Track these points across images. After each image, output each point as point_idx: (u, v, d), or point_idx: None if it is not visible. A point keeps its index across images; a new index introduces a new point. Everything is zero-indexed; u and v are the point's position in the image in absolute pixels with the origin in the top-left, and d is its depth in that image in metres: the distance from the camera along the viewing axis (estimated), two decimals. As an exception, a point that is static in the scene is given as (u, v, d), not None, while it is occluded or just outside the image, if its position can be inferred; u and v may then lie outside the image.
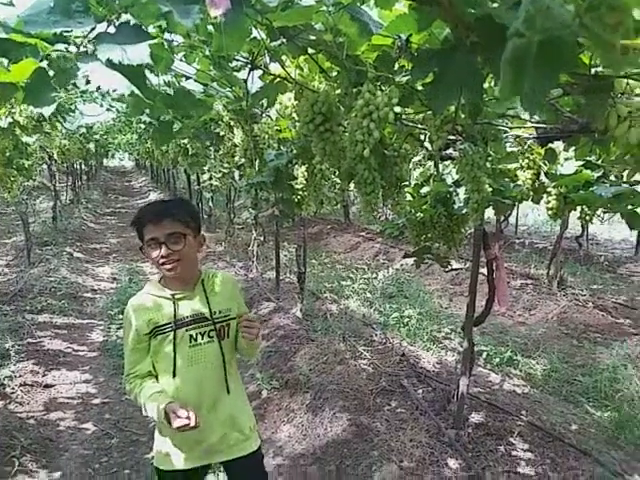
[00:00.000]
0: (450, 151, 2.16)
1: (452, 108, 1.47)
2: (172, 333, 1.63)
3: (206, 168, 5.72)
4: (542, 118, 1.57)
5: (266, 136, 2.70)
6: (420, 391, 3.43)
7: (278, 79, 1.90)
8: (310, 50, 1.61)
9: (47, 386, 3.71)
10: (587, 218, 2.34)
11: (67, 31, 1.01)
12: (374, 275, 6.69)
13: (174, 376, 1.64)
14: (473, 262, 2.75)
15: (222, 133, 3.78)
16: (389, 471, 2.57)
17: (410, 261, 7.81)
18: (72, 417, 3.41)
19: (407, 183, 2.15)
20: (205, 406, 1.68)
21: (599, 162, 2.16)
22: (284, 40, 1.59)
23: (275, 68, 1.96)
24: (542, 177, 2.32)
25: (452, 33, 1.07)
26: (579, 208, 2.42)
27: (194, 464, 1.71)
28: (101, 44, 1.03)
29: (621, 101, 1.02)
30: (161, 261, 1.60)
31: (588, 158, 2.13)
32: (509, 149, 2.14)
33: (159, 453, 1.74)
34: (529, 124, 1.66)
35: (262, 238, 6.24)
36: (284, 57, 1.84)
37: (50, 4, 1.02)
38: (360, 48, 1.45)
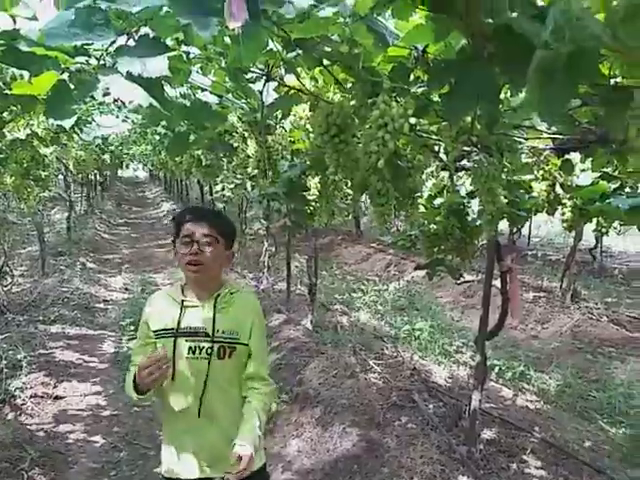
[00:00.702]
0: (465, 162, 2.16)
1: (468, 119, 1.46)
2: (173, 339, 1.64)
3: (219, 179, 5.76)
4: (559, 129, 1.56)
5: (279, 147, 2.71)
6: (431, 406, 3.38)
7: (293, 91, 1.91)
8: (325, 62, 1.62)
9: (57, 398, 3.71)
10: (603, 230, 2.31)
11: (88, 44, 1.02)
12: (385, 287, 6.66)
13: (173, 379, 1.64)
14: (486, 275, 2.72)
15: (236, 144, 3.80)
16: (401, 487, 2.53)
17: (421, 273, 7.76)
18: (81, 430, 3.40)
19: (420, 194, 2.14)
20: (203, 416, 1.67)
21: (616, 173, 2.14)
22: (300, 52, 1.60)
23: (290, 80, 1.97)
24: (557, 188, 2.30)
25: (469, 44, 1.06)
26: (594, 220, 2.39)
27: (197, 475, 1.69)
28: (121, 57, 1.04)
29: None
30: (188, 258, 1.62)
31: (605, 169, 2.11)
32: (524, 160, 2.13)
33: (165, 462, 1.74)
34: (545, 135, 1.64)
35: (273, 249, 6.24)
36: (299, 69, 1.85)
37: (71, 17, 1.03)
38: (376, 59, 1.45)
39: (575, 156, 1.91)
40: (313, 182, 2.68)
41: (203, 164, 5.91)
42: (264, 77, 1.92)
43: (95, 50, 1.05)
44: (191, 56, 1.98)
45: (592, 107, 1.19)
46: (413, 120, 1.66)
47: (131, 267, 8.43)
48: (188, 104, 1.48)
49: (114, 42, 1.06)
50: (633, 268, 7.72)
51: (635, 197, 1.95)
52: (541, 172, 2.17)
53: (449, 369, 4.03)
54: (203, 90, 2.59)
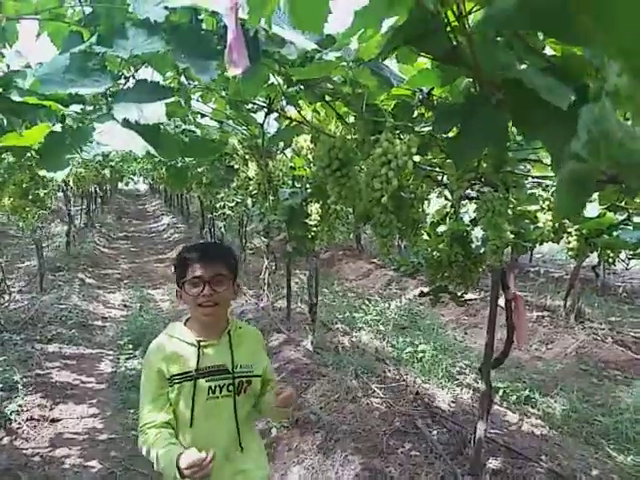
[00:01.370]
0: (469, 191, 2.13)
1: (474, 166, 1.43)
2: (193, 382, 1.59)
3: (220, 196, 5.74)
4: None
5: (280, 173, 2.69)
6: (435, 432, 3.32)
7: (294, 122, 1.88)
8: (327, 97, 1.59)
9: (54, 420, 3.65)
10: (610, 260, 2.27)
11: (81, 92, 0.99)
12: (387, 305, 6.60)
13: (191, 426, 1.59)
14: (490, 302, 2.68)
15: (236, 166, 3.78)
16: (404, 522, 2.46)
17: (425, 289, 7.68)
18: (77, 454, 3.34)
19: (423, 224, 2.11)
20: (218, 458, 1.62)
21: (623, 204, 2.10)
22: (302, 87, 1.58)
23: (292, 111, 1.95)
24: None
25: (478, 91, 1.03)
26: (600, 249, 2.35)
27: None
28: (117, 103, 1.01)
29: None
30: (200, 301, 1.58)
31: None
32: (530, 191, 2.10)
33: None
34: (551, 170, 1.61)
35: (274, 266, 6.19)
36: (301, 102, 1.83)
37: (66, 62, 1.01)
38: (379, 98, 1.42)
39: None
40: (314, 208, 2.66)
41: (204, 182, 5.90)
42: (265, 108, 1.89)
43: (90, 96, 1.02)
44: (190, 86, 1.97)
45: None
46: (417, 158, 1.62)
47: (130, 282, 8.37)
48: (186, 140, 1.44)
49: (110, 88, 1.03)
50: (637, 286, 7.66)
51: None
52: (547, 202, 2.13)
53: (452, 393, 3.97)
54: (203, 116, 2.58)
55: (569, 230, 2.39)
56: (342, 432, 3.28)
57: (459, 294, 2.77)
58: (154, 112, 1.00)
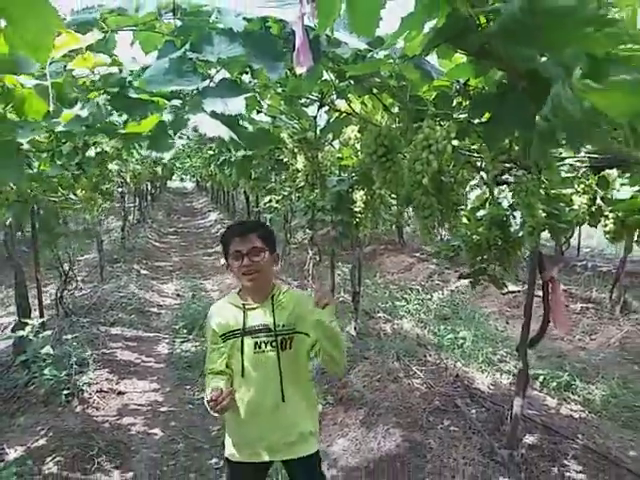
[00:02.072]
0: (507, 177, 2.27)
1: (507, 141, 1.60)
2: (240, 338, 1.85)
3: (267, 188, 6.01)
4: (594, 148, 1.67)
5: (328, 163, 2.90)
6: (474, 411, 3.46)
7: (344, 114, 2.09)
8: (375, 90, 1.79)
9: (120, 393, 4.01)
10: (644, 242, 2.37)
11: (180, 89, 1.23)
12: (429, 296, 6.72)
13: (242, 376, 1.86)
14: (529, 284, 2.80)
15: (285, 159, 4.02)
16: (444, 487, 2.64)
17: (465, 282, 7.74)
18: (142, 423, 3.67)
19: (463, 207, 2.27)
20: (267, 407, 1.87)
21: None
22: (352, 82, 1.78)
23: (341, 104, 2.15)
24: (598, 201, 2.37)
25: (507, 80, 1.21)
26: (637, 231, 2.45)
27: (257, 459, 1.90)
28: (206, 97, 1.25)
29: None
30: (243, 271, 1.83)
31: (645, 184, 2.19)
32: (564, 175, 2.23)
33: (228, 446, 1.96)
34: (582, 153, 1.75)
35: (318, 258, 6.42)
36: (350, 96, 2.03)
37: (166, 66, 1.25)
38: (422, 89, 1.61)
39: (613, 171, 2.00)
40: (359, 195, 2.86)
41: (252, 177, 6.20)
42: (318, 102, 2.11)
43: (185, 93, 1.26)
44: (250, 84, 2.20)
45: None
46: (455, 142, 1.79)
47: (181, 274, 8.81)
48: (252, 130, 1.68)
49: (199, 86, 1.27)
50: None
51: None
52: (582, 186, 2.25)
53: (492, 377, 4.08)
54: (259, 112, 2.82)
55: (605, 214, 2.50)
56: (384, 408, 3.47)
57: (498, 277, 2.91)
58: (236, 105, 1.23)
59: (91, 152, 3.57)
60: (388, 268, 9.06)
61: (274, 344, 1.88)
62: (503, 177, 2.24)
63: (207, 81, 1.30)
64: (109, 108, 1.37)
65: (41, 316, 4.47)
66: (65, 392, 3.60)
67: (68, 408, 3.53)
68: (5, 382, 3.93)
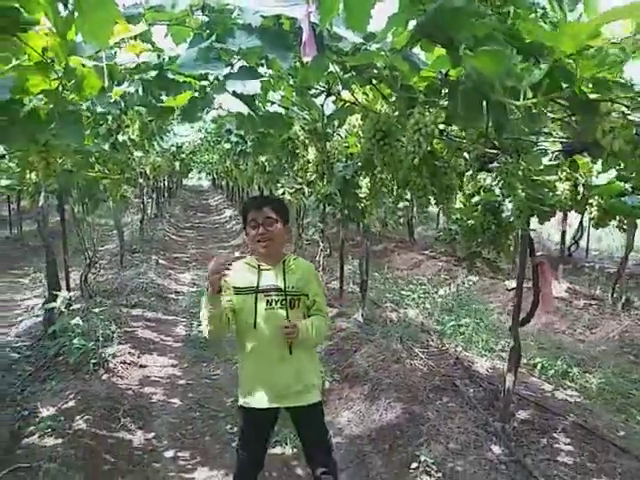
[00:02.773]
0: (495, 164, 2.50)
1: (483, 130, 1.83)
2: (254, 295, 2.12)
3: (280, 184, 6.28)
4: (566, 135, 1.90)
5: (336, 152, 3.15)
6: (471, 390, 3.68)
7: (348, 104, 2.34)
8: (374, 81, 2.04)
9: (142, 366, 4.31)
10: (624, 227, 2.57)
11: (207, 72, 1.49)
12: (435, 290, 6.92)
13: (255, 328, 2.11)
14: (520, 267, 3.02)
15: (297, 151, 4.28)
16: (436, 450, 2.86)
17: (473, 279, 7.91)
18: (161, 392, 3.96)
19: (457, 191, 2.51)
20: (275, 356, 2.12)
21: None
22: (354, 73, 2.03)
23: (346, 94, 2.40)
24: (581, 188, 2.59)
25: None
26: (619, 219, 2.65)
27: (266, 405, 2.15)
28: (228, 80, 1.51)
29: (605, 119, 1.34)
30: (257, 238, 2.12)
31: (621, 171, 2.40)
32: (548, 162, 2.45)
33: (241, 394, 2.22)
34: (553, 139, 1.98)
35: (328, 251, 6.67)
36: (353, 86, 2.28)
37: (195, 54, 1.52)
38: (413, 79, 1.85)
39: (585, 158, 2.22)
40: (364, 182, 3.11)
41: (266, 170, 6.48)
42: (325, 93, 2.36)
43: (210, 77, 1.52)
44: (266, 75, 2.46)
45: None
46: (442, 126, 2.03)
47: (198, 265, 9.13)
48: (268, 114, 1.94)
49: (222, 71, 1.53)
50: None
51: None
52: (564, 173, 2.47)
53: (491, 362, 4.29)
54: (273, 103, 3.08)
55: (590, 202, 2.71)
56: (386, 385, 3.70)
57: (492, 260, 3.13)
58: (252, 86, 1.50)
59: (120, 138, 3.88)
60: (398, 264, 9.27)
61: (284, 302, 2.15)
62: (492, 165, 2.48)
63: (229, 68, 1.56)
64: (141, 92, 1.65)
65: (69, 303, 4.79)
66: (92, 361, 3.90)
67: (95, 376, 3.82)
68: (36, 352, 4.26)
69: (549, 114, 1.68)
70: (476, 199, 2.93)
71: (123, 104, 2.51)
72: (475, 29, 1.06)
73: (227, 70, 1.55)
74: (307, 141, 4.09)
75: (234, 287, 2.16)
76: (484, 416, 3.24)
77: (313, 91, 2.60)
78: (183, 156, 9.94)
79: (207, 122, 5.95)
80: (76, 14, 1.17)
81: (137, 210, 11.76)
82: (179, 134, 6.95)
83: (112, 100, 1.81)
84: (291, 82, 2.54)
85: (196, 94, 1.42)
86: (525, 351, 4.79)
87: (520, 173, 2.01)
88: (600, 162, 2.16)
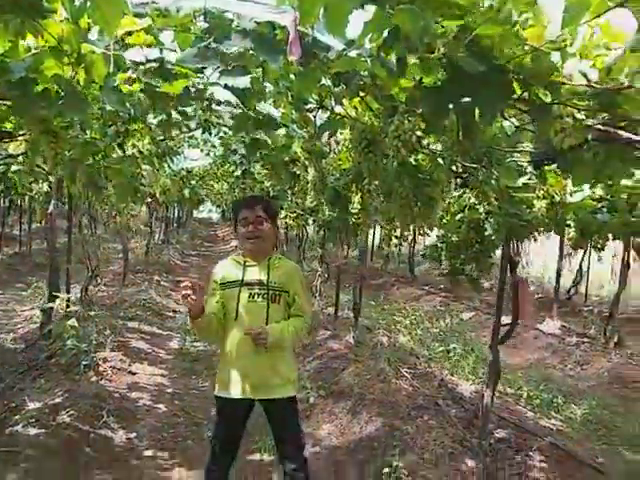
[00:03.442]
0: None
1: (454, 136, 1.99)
2: (238, 288, 2.23)
3: (283, 208, 6.47)
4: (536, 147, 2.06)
5: (331, 168, 3.33)
6: (453, 410, 3.70)
7: (339, 116, 2.53)
8: (361, 93, 2.23)
9: (131, 373, 4.38)
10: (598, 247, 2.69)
11: (204, 67, 1.68)
12: (430, 324, 6.97)
13: (236, 318, 2.22)
14: (499, 283, 3.12)
15: (298, 172, 4.48)
16: (410, 460, 2.90)
17: (470, 314, 7.96)
18: (148, 398, 4.02)
19: (440, 203, 2.65)
20: (253, 348, 2.20)
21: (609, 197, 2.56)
22: (344, 86, 2.22)
23: (338, 108, 2.59)
24: (558, 208, 2.73)
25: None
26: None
27: (241, 396, 2.23)
28: (222, 75, 1.70)
29: (558, 120, 1.50)
30: (247, 235, 2.25)
31: (599, 192, 2.55)
32: (524, 181, 2.61)
33: (217, 383, 2.31)
34: (523, 150, 2.13)
35: (326, 275, 6.79)
36: (344, 101, 2.47)
37: (194, 52, 1.71)
38: (394, 89, 2.03)
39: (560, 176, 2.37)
40: (356, 198, 3.27)
41: (271, 195, 6.69)
42: (318, 107, 2.55)
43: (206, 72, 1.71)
44: (267, 91, 2.67)
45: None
46: (425, 141, 2.18)
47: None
48: (261, 118, 2.13)
49: (218, 67, 1.72)
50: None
51: (614, 211, 2.37)
52: (541, 192, 2.62)
53: (476, 386, 4.31)
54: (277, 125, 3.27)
55: (568, 223, 2.85)
56: (369, 400, 3.75)
57: (475, 277, 3.24)
58: (242, 81, 1.68)
59: (128, 151, 4.10)
60: (396, 297, 9.32)
61: (265, 296, 2.26)
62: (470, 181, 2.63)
63: (224, 66, 1.75)
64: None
65: (67, 306, 4.92)
66: (84, 363, 3.98)
67: (84, 377, 3.90)
68: (30, 354, 4.36)
69: (514, 120, 1.84)
70: (460, 216, 3.08)
71: (133, 111, 2.73)
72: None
73: (222, 67, 1.74)
74: (307, 162, 4.30)
75: (220, 283, 2.28)
76: (462, 433, 3.27)
77: (309, 106, 2.80)
78: (193, 182, 10.22)
79: (216, 146, 6.21)
80: (88, 3, 1.36)
81: (145, 236, 11.99)
82: (189, 158, 7.23)
83: (119, 97, 2.00)
84: (290, 99, 2.75)
85: (190, 84, 1.60)
86: (513, 382, 4.84)
87: (494, 182, 2.15)
88: (576, 185, 2.32)
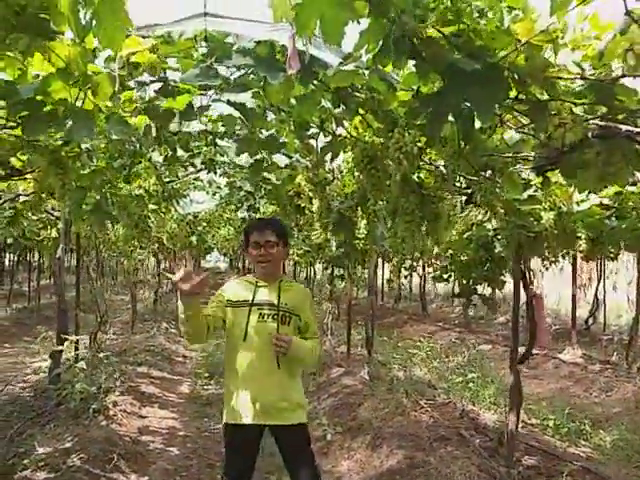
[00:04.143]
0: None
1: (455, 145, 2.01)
2: (248, 308, 2.20)
3: (291, 245, 6.48)
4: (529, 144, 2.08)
5: (335, 194, 3.35)
6: (477, 440, 3.55)
7: (340, 138, 2.56)
8: (361, 111, 2.26)
9: (142, 417, 4.26)
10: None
11: (206, 86, 1.73)
12: (447, 358, 6.80)
13: (244, 340, 2.17)
14: (514, 300, 3.06)
15: (303, 205, 4.51)
16: (436, 490, 2.75)
17: (486, 347, 7.78)
18: (160, 441, 3.89)
19: (445, 219, 2.64)
20: (263, 370, 2.15)
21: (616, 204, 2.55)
22: (344, 107, 2.26)
23: (339, 130, 2.63)
24: (566, 222, 2.70)
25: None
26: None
27: (250, 421, 2.14)
28: (225, 92, 1.74)
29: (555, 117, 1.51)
30: (258, 259, 2.24)
31: (606, 202, 2.54)
32: (531, 193, 2.60)
33: (225, 411, 2.23)
34: (525, 155, 2.14)
35: (336, 312, 6.71)
36: (345, 123, 2.51)
37: (197, 72, 1.77)
38: (392, 103, 2.07)
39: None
40: (362, 223, 3.27)
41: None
42: (319, 130, 2.59)
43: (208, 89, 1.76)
44: (270, 119, 2.72)
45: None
46: (420, 144, 2.20)
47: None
48: (264, 137, 2.16)
49: (221, 85, 1.77)
50: None
51: (623, 219, 2.35)
52: (547, 203, 2.60)
53: (498, 415, 4.15)
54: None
55: (579, 235, 2.82)
56: (389, 434, 3.61)
57: (488, 297, 3.18)
58: (243, 97, 1.72)
59: (135, 191, 4.16)
60: (409, 335, 9.15)
61: (275, 317, 2.21)
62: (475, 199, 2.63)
63: (226, 83, 1.80)
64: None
65: (76, 349, 4.87)
66: (93, 406, 3.89)
67: (94, 422, 3.79)
68: (39, 402, 4.27)
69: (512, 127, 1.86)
70: (467, 234, 3.06)
71: (138, 146, 2.79)
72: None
73: (224, 85, 1.78)
74: (311, 194, 4.33)
75: (229, 301, 2.26)
76: (488, 461, 3.12)
77: (311, 132, 2.84)
78: (200, 229, 10.31)
79: (221, 187, 6.29)
80: (94, 22, 1.41)
81: (153, 286, 11.98)
82: (195, 200, 7.32)
83: (124, 127, 2.06)
84: (292, 127, 2.78)
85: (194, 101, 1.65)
86: (538, 412, 4.66)
87: (498, 191, 2.15)
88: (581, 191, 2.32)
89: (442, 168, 2.42)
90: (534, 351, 6.78)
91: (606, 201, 2.56)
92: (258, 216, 5.48)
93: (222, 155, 4.23)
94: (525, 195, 2.61)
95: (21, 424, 3.75)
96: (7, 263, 16.36)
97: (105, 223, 3.93)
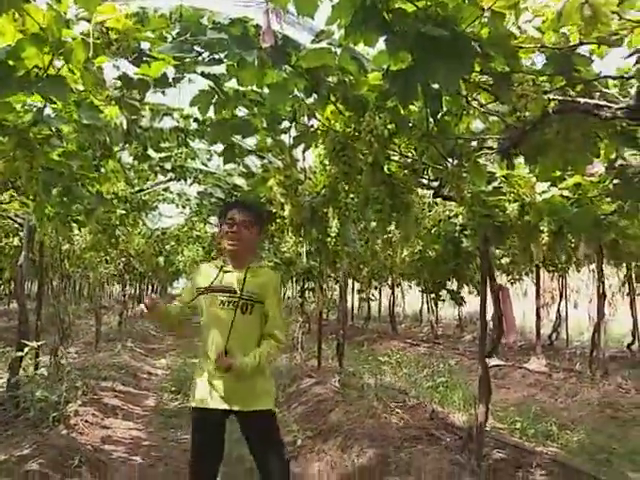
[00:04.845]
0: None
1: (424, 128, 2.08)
2: (209, 294, 2.18)
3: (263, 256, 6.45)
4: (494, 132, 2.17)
5: (307, 193, 3.38)
6: (448, 439, 3.55)
7: (312, 129, 2.61)
8: (332, 99, 2.32)
9: (104, 427, 4.10)
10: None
11: (181, 57, 1.75)
12: (417, 368, 6.82)
13: (208, 326, 2.19)
14: (481, 293, 3.13)
15: (274, 210, 4.52)
16: (408, 481, 2.73)
17: (453, 361, 7.85)
18: (123, 450, 3.74)
19: (414, 210, 2.70)
20: (214, 358, 2.12)
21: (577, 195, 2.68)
22: (315, 94, 2.31)
23: (311, 122, 2.68)
24: (530, 214, 2.81)
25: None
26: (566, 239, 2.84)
27: (215, 406, 2.12)
28: (198, 65, 1.77)
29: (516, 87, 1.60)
30: (229, 235, 2.20)
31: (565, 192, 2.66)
32: (496, 185, 2.71)
33: (193, 395, 2.20)
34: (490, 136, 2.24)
35: (307, 327, 6.67)
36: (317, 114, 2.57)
37: (172, 45, 1.79)
38: (363, 88, 2.13)
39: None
40: (334, 222, 3.31)
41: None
42: (292, 121, 2.64)
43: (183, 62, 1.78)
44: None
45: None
46: (391, 128, 2.26)
47: (175, 353, 8.93)
48: (237, 122, 2.19)
49: (196, 57, 1.80)
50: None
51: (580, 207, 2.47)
52: (512, 195, 2.70)
53: (468, 415, 4.17)
54: (250, 152, 3.34)
55: (541, 229, 2.92)
56: (360, 434, 3.57)
57: (455, 291, 3.24)
58: (217, 69, 1.75)
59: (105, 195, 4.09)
60: (380, 351, 9.14)
61: (234, 305, 2.16)
62: (444, 192, 2.71)
63: (200, 56, 1.83)
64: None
65: (37, 357, 4.69)
66: (53, 414, 3.72)
67: (54, 431, 3.62)
68: (-5, 413, 4.05)
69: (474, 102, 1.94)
70: (435, 230, 3.13)
71: (108, 139, 2.78)
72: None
73: (199, 58, 1.82)
74: (283, 200, 4.35)
75: (197, 288, 2.23)
76: (459, 457, 3.12)
77: (283, 125, 2.88)
78: (168, 247, 10.16)
79: (191, 199, 6.26)
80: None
81: (117, 311, 11.63)
82: (164, 214, 7.25)
83: (94, 113, 2.06)
84: (265, 125, 2.79)
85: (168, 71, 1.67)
86: (506, 418, 4.70)
87: (465, 175, 2.23)
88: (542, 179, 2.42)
89: (411, 160, 2.50)
90: (500, 362, 6.91)
91: (566, 193, 2.67)
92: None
93: (193, 159, 4.23)
94: (490, 187, 2.72)
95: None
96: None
97: (70, 226, 3.84)
